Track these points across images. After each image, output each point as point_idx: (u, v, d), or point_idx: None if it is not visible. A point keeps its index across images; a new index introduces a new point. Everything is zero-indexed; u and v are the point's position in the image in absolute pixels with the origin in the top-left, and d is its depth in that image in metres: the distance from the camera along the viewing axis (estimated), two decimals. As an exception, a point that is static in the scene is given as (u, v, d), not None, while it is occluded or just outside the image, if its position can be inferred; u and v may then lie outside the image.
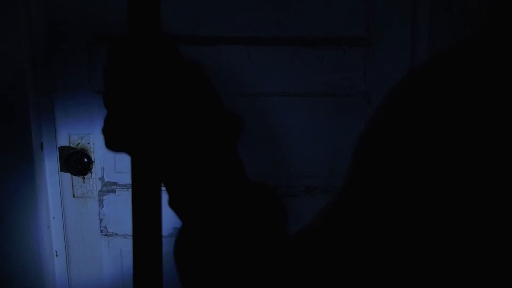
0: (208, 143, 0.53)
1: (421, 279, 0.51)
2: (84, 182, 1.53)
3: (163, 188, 0.55)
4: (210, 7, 1.44)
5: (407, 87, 0.52)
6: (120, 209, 1.55)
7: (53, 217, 1.56)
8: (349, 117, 1.46)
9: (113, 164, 1.54)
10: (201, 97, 0.53)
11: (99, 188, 1.55)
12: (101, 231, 1.57)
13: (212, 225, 0.54)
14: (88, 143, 1.51)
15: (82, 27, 1.44)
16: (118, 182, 1.55)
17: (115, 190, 1.54)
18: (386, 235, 0.51)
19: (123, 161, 1.50)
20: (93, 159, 1.51)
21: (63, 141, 1.52)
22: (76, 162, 1.50)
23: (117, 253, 1.59)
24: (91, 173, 1.52)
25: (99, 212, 1.55)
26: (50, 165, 1.53)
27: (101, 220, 1.56)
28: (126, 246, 1.56)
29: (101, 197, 1.54)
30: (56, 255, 1.59)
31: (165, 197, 0.54)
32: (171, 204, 0.55)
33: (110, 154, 1.53)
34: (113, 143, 0.52)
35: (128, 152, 0.53)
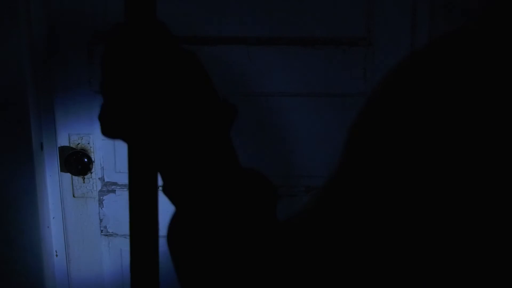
0: (202, 130, 0.54)
1: (410, 266, 0.51)
2: (84, 182, 1.53)
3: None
4: (210, 7, 1.44)
5: (398, 77, 0.52)
6: (120, 209, 1.55)
7: (53, 217, 1.56)
8: (349, 117, 1.46)
9: (113, 164, 1.54)
10: (195, 85, 0.54)
11: (99, 188, 1.55)
12: (101, 231, 1.57)
13: (204, 210, 0.55)
14: (88, 143, 1.51)
15: (82, 27, 1.44)
16: (118, 182, 1.55)
17: (115, 190, 1.54)
18: (376, 226, 0.51)
19: (123, 161, 1.50)
20: (93, 159, 1.51)
21: (63, 141, 1.52)
22: (76, 162, 1.50)
23: (117, 253, 1.59)
24: (91, 173, 1.52)
25: (99, 212, 1.55)
26: (50, 165, 1.53)
27: (101, 220, 1.56)
28: (126, 246, 1.56)
29: (101, 197, 1.54)
30: (56, 255, 1.59)
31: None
32: (165, 190, 0.56)
33: (110, 154, 1.53)
34: (109, 130, 0.53)
35: (124, 139, 0.54)
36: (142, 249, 0.55)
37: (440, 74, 0.49)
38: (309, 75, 1.46)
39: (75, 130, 1.51)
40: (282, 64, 1.45)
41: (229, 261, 0.55)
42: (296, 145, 1.50)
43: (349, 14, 1.44)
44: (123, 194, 1.54)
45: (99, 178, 1.54)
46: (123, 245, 1.57)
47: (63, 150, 1.52)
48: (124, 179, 1.55)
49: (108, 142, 1.52)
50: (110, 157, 1.53)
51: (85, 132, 1.51)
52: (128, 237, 0.56)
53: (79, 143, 1.51)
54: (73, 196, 1.55)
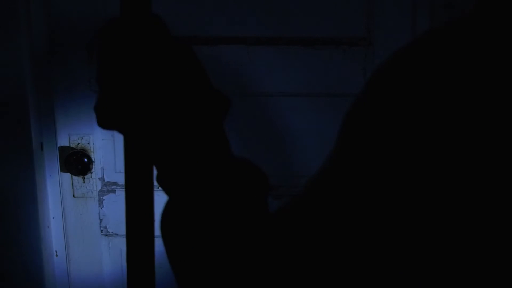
0: (196, 120, 0.55)
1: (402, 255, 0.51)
2: (84, 182, 1.53)
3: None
4: (210, 7, 1.44)
5: (392, 69, 0.52)
6: (120, 209, 1.54)
7: (53, 217, 1.56)
8: (349, 117, 1.46)
9: (113, 164, 1.54)
10: (189, 76, 0.55)
11: (99, 188, 1.55)
12: (101, 231, 1.57)
13: (197, 198, 0.56)
14: (88, 143, 1.51)
15: (81, 28, 1.44)
16: (118, 182, 1.55)
17: (115, 190, 1.54)
18: (367, 218, 0.51)
19: (123, 161, 1.50)
20: (93, 159, 1.51)
21: (63, 141, 1.52)
22: (76, 162, 1.50)
23: (117, 253, 1.59)
24: (91, 173, 1.52)
25: (99, 212, 1.55)
26: (50, 165, 1.53)
27: (101, 220, 1.56)
28: (126, 246, 1.56)
29: (101, 197, 1.54)
30: (56, 255, 1.59)
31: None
32: (158, 179, 0.57)
33: (110, 154, 1.53)
34: (105, 121, 0.54)
35: (119, 130, 0.55)
36: (138, 243, 0.56)
37: (432, 67, 0.49)
38: (309, 75, 1.46)
39: (75, 130, 1.51)
40: (282, 64, 1.45)
41: (222, 249, 0.56)
42: (296, 145, 1.50)
43: (349, 14, 1.44)
44: (123, 194, 1.53)
45: (99, 178, 1.54)
46: (123, 245, 1.57)
47: (63, 150, 1.52)
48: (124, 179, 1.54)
49: (108, 142, 1.52)
50: (110, 157, 1.53)
51: (85, 132, 1.50)
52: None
53: (79, 143, 1.51)
54: (73, 196, 1.55)
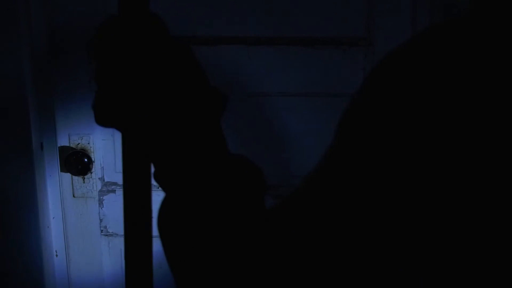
0: (193, 117, 0.56)
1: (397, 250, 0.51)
2: (84, 182, 1.53)
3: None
4: (210, 7, 1.44)
5: (389, 67, 0.53)
6: (120, 209, 1.54)
7: (53, 217, 1.56)
8: (349, 117, 1.46)
9: (113, 164, 1.54)
10: (186, 73, 0.55)
11: (99, 188, 1.55)
12: (101, 231, 1.57)
13: (194, 194, 0.56)
14: (88, 143, 1.51)
15: (82, 27, 1.44)
16: (118, 182, 1.55)
17: (115, 190, 1.54)
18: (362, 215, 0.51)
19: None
20: (93, 159, 1.51)
21: (63, 141, 1.52)
22: (76, 162, 1.50)
23: (117, 253, 1.59)
24: (91, 173, 1.52)
25: (99, 212, 1.55)
26: (50, 165, 1.53)
27: (101, 220, 1.56)
28: (126, 246, 1.56)
29: (101, 197, 1.54)
30: (56, 255, 1.59)
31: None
32: (155, 176, 0.58)
33: (110, 154, 1.53)
34: (102, 118, 0.55)
35: (117, 127, 0.56)
36: (135, 238, 0.57)
37: (430, 65, 0.49)
38: (309, 75, 1.46)
39: (75, 130, 1.51)
40: (282, 64, 1.45)
41: (218, 246, 0.56)
42: (295, 145, 1.50)
43: (349, 14, 1.44)
44: (123, 194, 1.53)
45: (99, 178, 1.54)
46: (123, 245, 1.57)
47: (63, 150, 1.52)
48: (124, 179, 1.54)
49: (108, 142, 1.52)
50: (110, 157, 1.53)
51: (85, 132, 1.50)
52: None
53: (79, 143, 1.51)
54: (73, 196, 1.55)
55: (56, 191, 1.55)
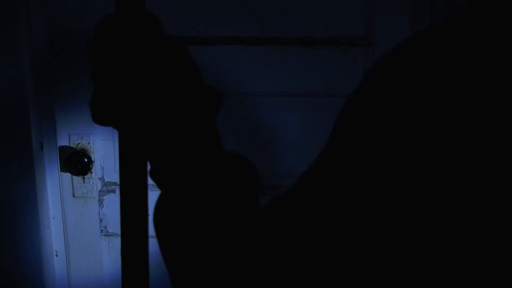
0: (188, 115, 0.56)
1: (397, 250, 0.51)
2: (84, 182, 1.53)
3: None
4: (210, 7, 1.44)
5: (387, 68, 0.53)
6: (120, 209, 1.54)
7: (53, 217, 1.56)
8: (349, 117, 1.46)
9: (113, 164, 1.54)
10: (182, 73, 0.56)
11: (99, 188, 1.55)
12: (101, 231, 1.57)
13: (189, 192, 0.57)
14: (88, 143, 1.51)
15: (82, 28, 1.44)
16: (118, 182, 1.55)
17: (115, 190, 1.54)
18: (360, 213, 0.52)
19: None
20: (93, 159, 1.51)
21: (63, 141, 1.52)
22: (76, 162, 1.50)
23: (117, 253, 1.58)
24: (91, 173, 1.52)
25: (99, 212, 1.55)
26: (50, 165, 1.53)
27: (101, 220, 1.56)
28: (126, 246, 1.56)
29: (101, 197, 1.54)
30: (56, 255, 1.59)
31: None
32: (151, 173, 0.59)
33: (110, 154, 1.53)
34: (99, 117, 0.56)
35: (114, 125, 0.57)
36: (132, 237, 0.58)
37: (428, 65, 0.50)
38: (309, 75, 1.46)
39: (75, 130, 1.51)
40: (282, 64, 1.45)
41: (213, 242, 0.57)
42: (296, 145, 1.50)
43: (349, 14, 1.44)
44: (123, 194, 1.53)
45: (99, 178, 1.54)
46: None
47: (63, 150, 1.52)
48: (124, 179, 1.54)
49: (108, 142, 1.52)
50: (110, 157, 1.53)
51: (85, 132, 1.50)
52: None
53: (79, 143, 1.51)
54: (73, 196, 1.55)
55: (56, 191, 1.55)
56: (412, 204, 0.49)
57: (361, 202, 0.51)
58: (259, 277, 0.56)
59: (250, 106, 1.48)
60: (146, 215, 0.59)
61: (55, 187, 1.55)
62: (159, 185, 0.59)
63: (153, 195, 0.60)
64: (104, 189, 1.55)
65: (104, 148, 1.53)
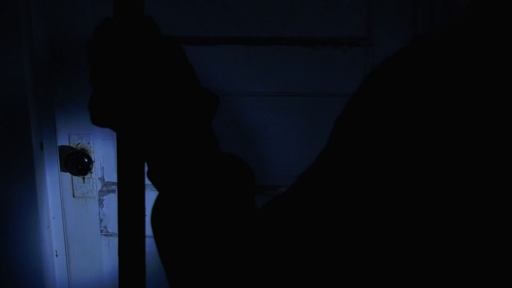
0: (185, 118, 0.57)
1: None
2: (84, 182, 1.53)
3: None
4: (210, 7, 1.44)
5: (387, 73, 0.53)
6: (120, 209, 1.54)
7: (53, 217, 1.56)
8: (349, 117, 1.46)
9: (113, 164, 1.54)
10: (179, 76, 0.57)
11: (99, 188, 1.55)
12: (101, 231, 1.57)
13: (186, 192, 0.58)
14: (88, 143, 1.51)
15: (82, 28, 1.44)
16: (118, 182, 1.55)
17: (115, 190, 1.54)
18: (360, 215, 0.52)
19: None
20: (93, 159, 1.51)
21: (63, 141, 1.52)
22: (76, 162, 1.50)
23: (117, 253, 1.58)
24: (91, 173, 1.52)
25: (99, 212, 1.55)
26: (50, 165, 1.53)
27: (101, 220, 1.56)
28: (126, 246, 1.56)
29: (101, 197, 1.55)
30: (56, 255, 1.59)
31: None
32: (149, 174, 0.59)
33: (110, 154, 1.53)
34: (98, 118, 0.58)
35: (112, 127, 0.58)
36: (129, 236, 0.59)
37: (427, 70, 0.50)
38: (309, 75, 1.46)
39: (75, 130, 1.51)
40: (282, 64, 1.45)
41: (210, 242, 0.57)
42: (295, 145, 1.50)
43: (349, 14, 1.44)
44: (123, 194, 1.53)
45: (99, 178, 1.54)
46: (123, 245, 1.57)
47: (63, 150, 1.52)
48: (124, 179, 1.54)
49: (108, 142, 1.52)
50: (110, 157, 1.53)
51: (85, 132, 1.51)
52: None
53: (79, 143, 1.51)
54: (73, 196, 1.55)
55: (56, 191, 1.55)
56: (411, 205, 0.50)
57: (361, 202, 0.51)
58: (256, 277, 0.56)
59: (250, 106, 1.48)
60: (144, 215, 0.59)
61: (55, 187, 1.55)
62: (157, 186, 0.60)
63: (150, 195, 0.60)
64: (104, 189, 1.55)
65: (104, 148, 1.53)
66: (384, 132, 0.50)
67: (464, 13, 0.52)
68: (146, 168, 0.60)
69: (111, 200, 1.54)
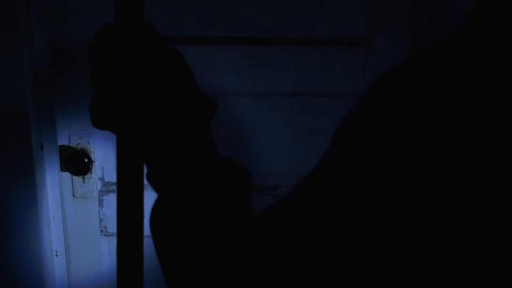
0: (184, 122, 0.58)
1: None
2: (84, 182, 1.53)
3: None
4: (210, 7, 1.44)
5: (390, 82, 0.54)
6: (120, 209, 1.54)
7: (53, 217, 1.56)
8: (349, 117, 1.46)
9: (113, 164, 1.54)
10: (178, 80, 0.58)
11: (99, 188, 1.55)
12: (101, 231, 1.57)
13: (184, 195, 0.58)
14: (88, 143, 1.51)
15: (82, 28, 1.44)
16: (118, 182, 1.55)
17: (115, 190, 1.54)
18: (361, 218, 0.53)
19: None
20: (93, 159, 1.51)
21: (63, 141, 1.52)
22: (76, 162, 1.50)
23: (117, 253, 1.58)
24: (91, 173, 1.52)
25: (99, 212, 1.55)
26: (50, 165, 1.53)
27: (101, 220, 1.56)
28: (126, 246, 1.56)
29: (101, 197, 1.54)
30: (56, 255, 1.59)
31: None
32: (148, 177, 0.60)
33: (110, 154, 1.53)
34: (98, 121, 0.59)
35: (112, 129, 0.59)
36: (127, 236, 0.60)
37: (427, 82, 0.52)
38: (309, 75, 1.46)
39: (75, 130, 1.51)
40: (282, 64, 1.45)
41: (208, 244, 0.58)
42: (295, 145, 1.50)
43: (349, 14, 1.44)
44: (123, 194, 1.53)
45: (99, 178, 1.54)
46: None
47: (63, 150, 1.52)
48: (124, 179, 1.54)
49: (108, 142, 1.52)
50: (110, 157, 1.53)
51: (85, 132, 1.50)
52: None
53: (79, 143, 1.51)
54: (73, 196, 1.55)
55: (56, 191, 1.55)
56: (412, 206, 0.50)
57: (362, 204, 0.52)
58: (254, 279, 0.56)
59: (250, 106, 1.48)
60: (142, 215, 0.60)
61: (55, 187, 1.55)
62: (155, 188, 0.61)
63: (150, 195, 0.60)
64: (104, 189, 1.55)
65: (104, 148, 1.53)
66: (385, 140, 0.52)
67: (464, 25, 0.53)
68: (145, 170, 0.61)
69: (111, 200, 1.54)
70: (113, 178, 1.55)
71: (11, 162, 1.45)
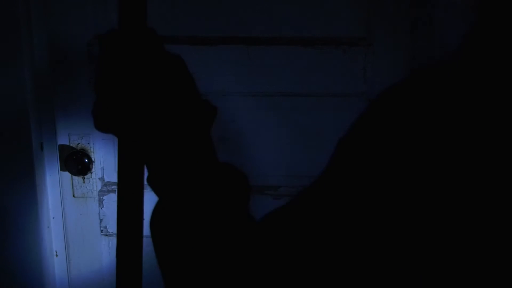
0: (185, 126, 0.59)
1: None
2: (84, 182, 1.53)
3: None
4: (210, 7, 1.44)
5: (392, 98, 0.57)
6: (120, 209, 1.54)
7: (53, 217, 1.56)
8: (348, 117, 1.46)
9: (113, 164, 1.54)
10: (180, 86, 0.59)
11: (99, 188, 1.55)
12: (101, 231, 1.57)
13: (185, 199, 0.59)
14: (88, 143, 1.51)
15: (82, 28, 1.44)
16: (118, 182, 1.55)
17: (115, 190, 1.54)
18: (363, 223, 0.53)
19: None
20: (93, 159, 1.51)
21: (63, 141, 1.52)
22: (76, 162, 1.50)
23: (117, 253, 1.58)
24: (91, 173, 1.52)
25: (99, 212, 1.55)
26: (50, 165, 1.53)
27: (101, 220, 1.56)
28: (126, 246, 1.56)
29: (101, 197, 1.55)
30: (56, 255, 1.59)
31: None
32: (149, 180, 0.61)
33: (110, 154, 1.53)
34: (101, 124, 0.59)
35: (115, 133, 0.59)
36: (127, 236, 0.61)
37: (428, 99, 0.53)
38: (309, 75, 1.46)
39: (75, 130, 1.51)
40: (282, 64, 1.45)
41: (206, 247, 0.59)
42: (295, 145, 1.50)
43: (349, 14, 1.44)
44: (123, 194, 1.53)
45: (99, 178, 1.54)
46: (123, 245, 1.57)
47: (63, 150, 1.52)
48: (124, 179, 1.54)
49: (108, 142, 1.52)
50: (110, 157, 1.53)
51: (85, 132, 1.51)
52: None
53: (79, 143, 1.51)
54: (73, 196, 1.55)
55: (56, 191, 1.55)
56: (412, 206, 0.50)
57: (362, 204, 0.52)
58: (255, 282, 0.57)
59: (250, 106, 1.48)
60: (142, 215, 0.61)
61: (55, 187, 1.55)
62: (156, 191, 0.61)
63: (149, 195, 0.61)
64: (104, 189, 1.55)
65: (104, 148, 1.53)
66: (389, 154, 0.53)
67: (464, 41, 0.54)
68: (146, 174, 0.61)
69: (111, 200, 1.54)
70: (113, 178, 1.55)
71: (11, 162, 1.45)
